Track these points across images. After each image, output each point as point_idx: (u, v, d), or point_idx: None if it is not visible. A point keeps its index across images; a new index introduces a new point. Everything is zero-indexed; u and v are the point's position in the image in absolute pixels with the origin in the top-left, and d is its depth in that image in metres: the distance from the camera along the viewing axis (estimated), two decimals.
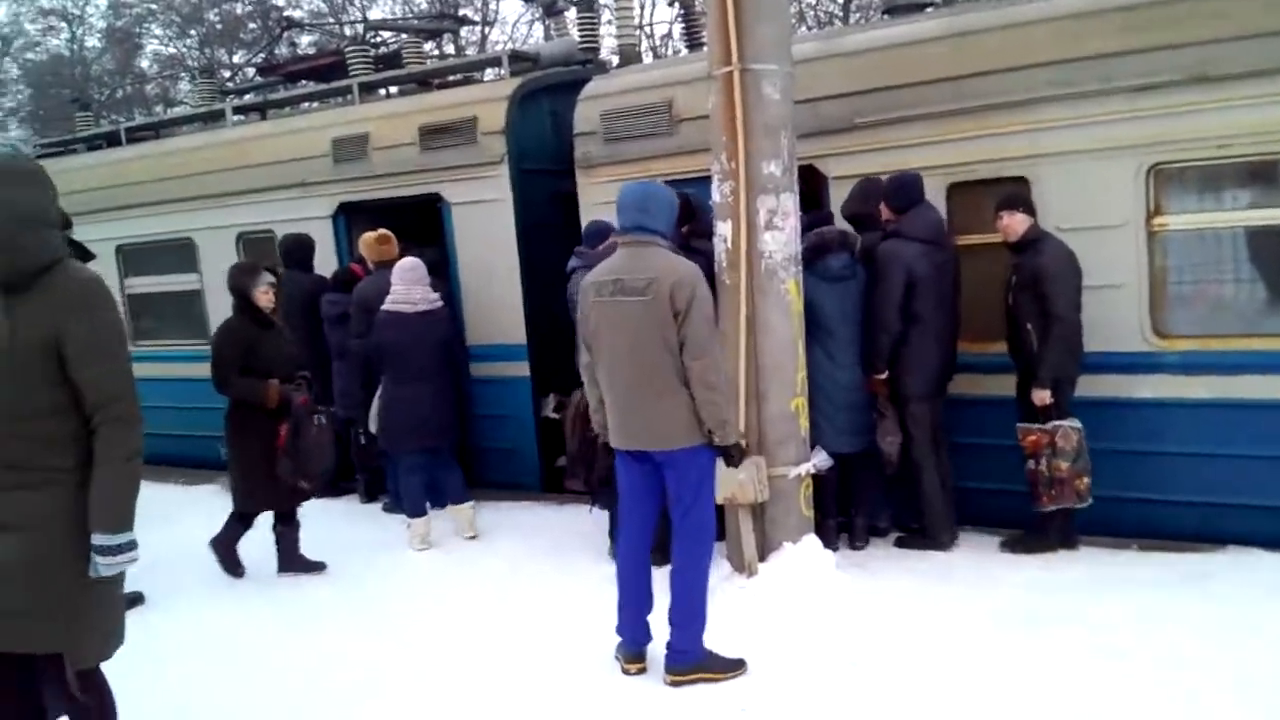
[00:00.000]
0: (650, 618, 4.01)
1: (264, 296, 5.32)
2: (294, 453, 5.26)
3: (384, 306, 5.99)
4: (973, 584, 4.65)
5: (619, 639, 4.03)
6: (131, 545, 2.81)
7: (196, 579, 5.59)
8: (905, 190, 5.25)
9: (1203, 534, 5.03)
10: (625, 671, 3.97)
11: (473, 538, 6.10)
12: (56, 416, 2.71)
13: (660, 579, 3.99)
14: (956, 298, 5.30)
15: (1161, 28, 4.91)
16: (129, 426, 2.76)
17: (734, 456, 3.95)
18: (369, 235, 6.66)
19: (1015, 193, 5.12)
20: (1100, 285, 5.08)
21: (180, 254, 8.76)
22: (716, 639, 3.96)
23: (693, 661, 3.81)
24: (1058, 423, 4.90)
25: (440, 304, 6.15)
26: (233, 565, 5.67)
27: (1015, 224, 5.00)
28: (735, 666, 3.85)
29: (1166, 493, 5.13)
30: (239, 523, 5.68)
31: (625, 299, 3.78)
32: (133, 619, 4.93)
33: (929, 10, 6.21)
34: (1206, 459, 5.02)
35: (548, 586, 5.09)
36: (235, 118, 8.96)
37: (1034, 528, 5.03)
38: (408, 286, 5.99)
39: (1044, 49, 5.20)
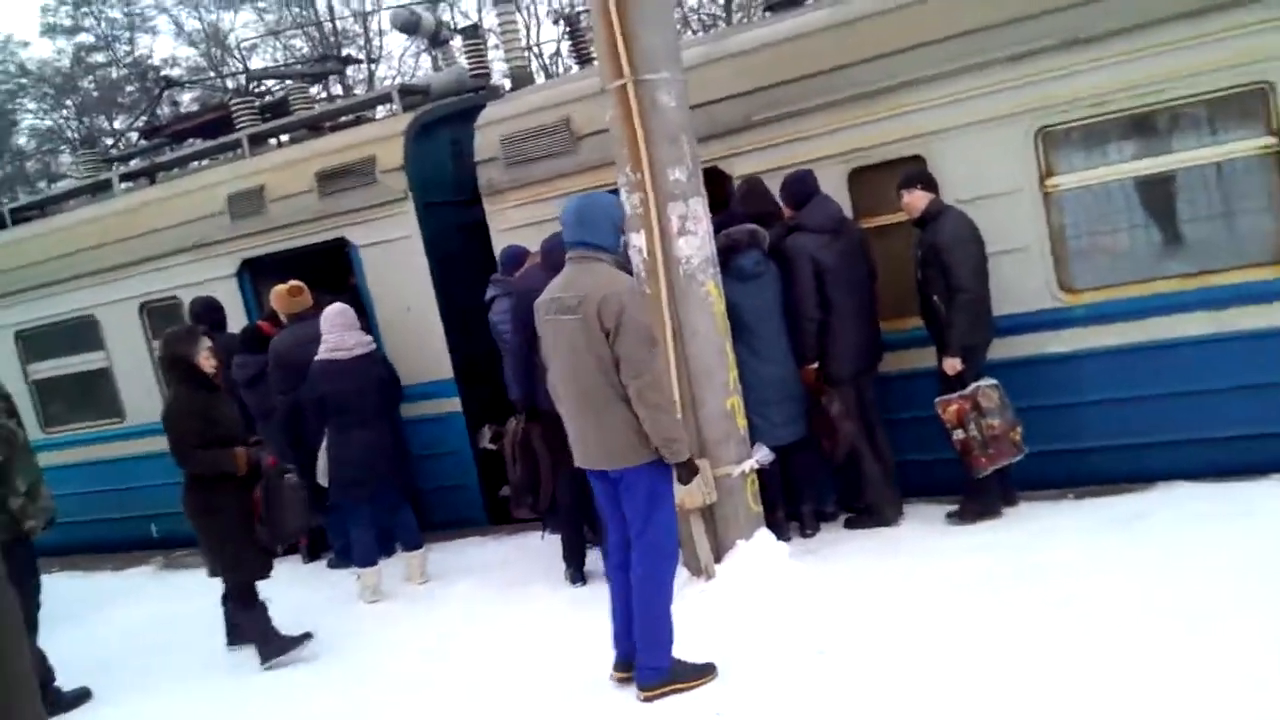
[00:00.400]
0: None
1: (207, 361, 5.03)
2: (271, 518, 5.10)
3: (319, 356, 5.88)
4: (924, 555, 4.74)
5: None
6: None
7: (142, 668, 5.37)
8: (799, 185, 5.42)
9: (1132, 474, 5.21)
10: (613, 679, 3.96)
11: (424, 582, 5.99)
12: None
13: None
14: (870, 280, 5.41)
15: None
16: None
17: (684, 475, 3.86)
18: (280, 288, 6.50)
19: (913, 171, 5.27)
20: (1005, 250, 5.26)
21: (83, 332, 8.45)
22: (683, 646, 3.96)
23: (661, 676, 3.78)
24: (975, 384, 5.04)
25: (374, 346, 6.08)
26: (292, 642, 5.10)
27: (915, 201, 5.15)
28: (704, 672, 3.84)
29: (1092, 440, 5.32)
30: (248, 603, 5.12)
31: (562, 317, 3.78)
32: (83, 715, 4.81)
33: (809, 3, 6.34)
34: (1125, 402, 5.22)
35: (511, 620, 5.03)
36: (123, 185, 8.69)
37: (973, 493, 5.16)
38: (340, 333, 5.90)
39: (922, 29, 5.35)
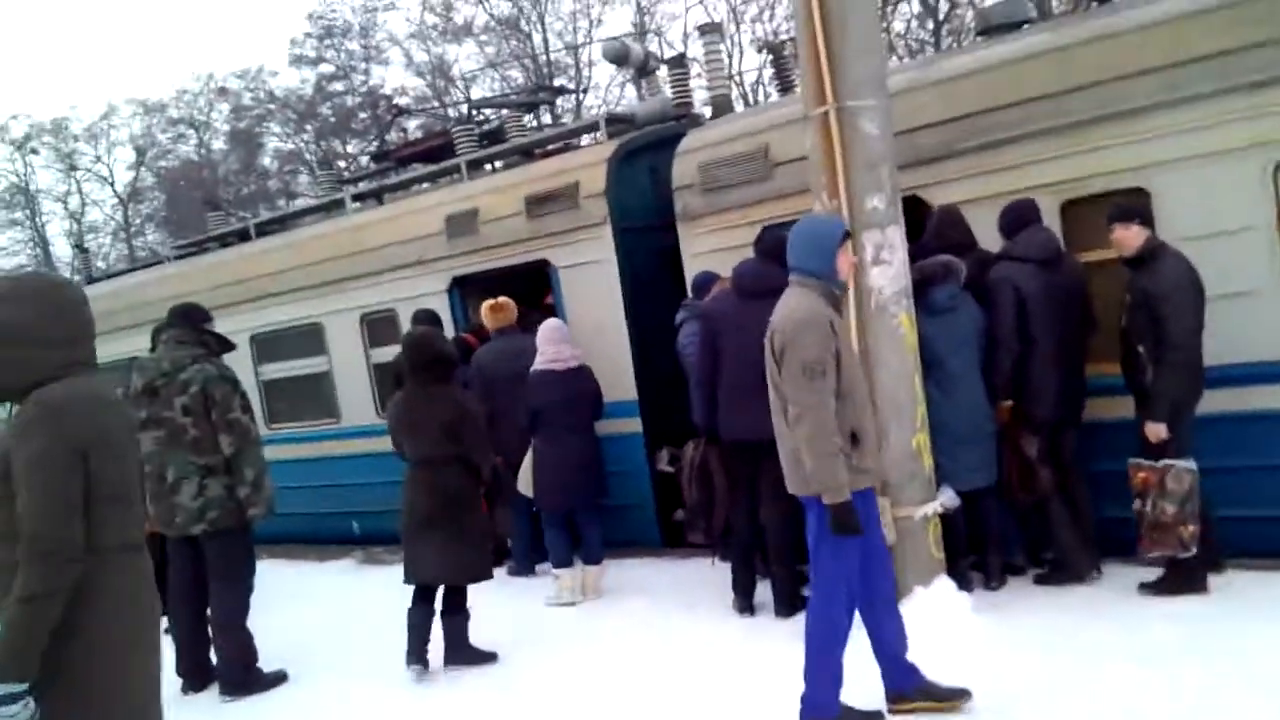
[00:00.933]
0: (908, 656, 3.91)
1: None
2: (497, 516, 5.49)
3: (536, 366, 6.22)
4: (1118, 620, 4.40)
5: None
6: (14, 698, 2.39)
7: (337, 656, 5.74)
8: (1014, 213, 5.16)
9: None
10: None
11: (597, 597, 6.14)
12: (6, 542, 2.52)
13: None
14: (1080, 319, 5.08)
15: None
16: (31, 565, 2.45)
17: (833, 520, 3.56)
18: (487, 303, 6.89)
19: (1129, 204, 4.90)
20: (1233, 294, 4.80)
21: (309, 338, 9.21)
22: (849, 688, 3.84)
23: (822, 715, 3.70)
24: (1170, 462, 4.53)
25: (584, 362, 6.34)
26: (479, 656, 5.26)
27: (1129, 237, 4.73)
28: None
29: None
30: (460, 610, 5.26)
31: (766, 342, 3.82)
32: (279, 695, 5.20)
33: (1025, 28, 6.08)
34: None
35: (681, 643, 5.04)
36: (354, 205, 9.44)
37: (1173, 568, 4.68)
38: (556, 346, 6.23)
39: (1149, 55, 5.01)
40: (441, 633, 5.20)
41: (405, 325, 7.83)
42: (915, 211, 5.66)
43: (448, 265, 8.03)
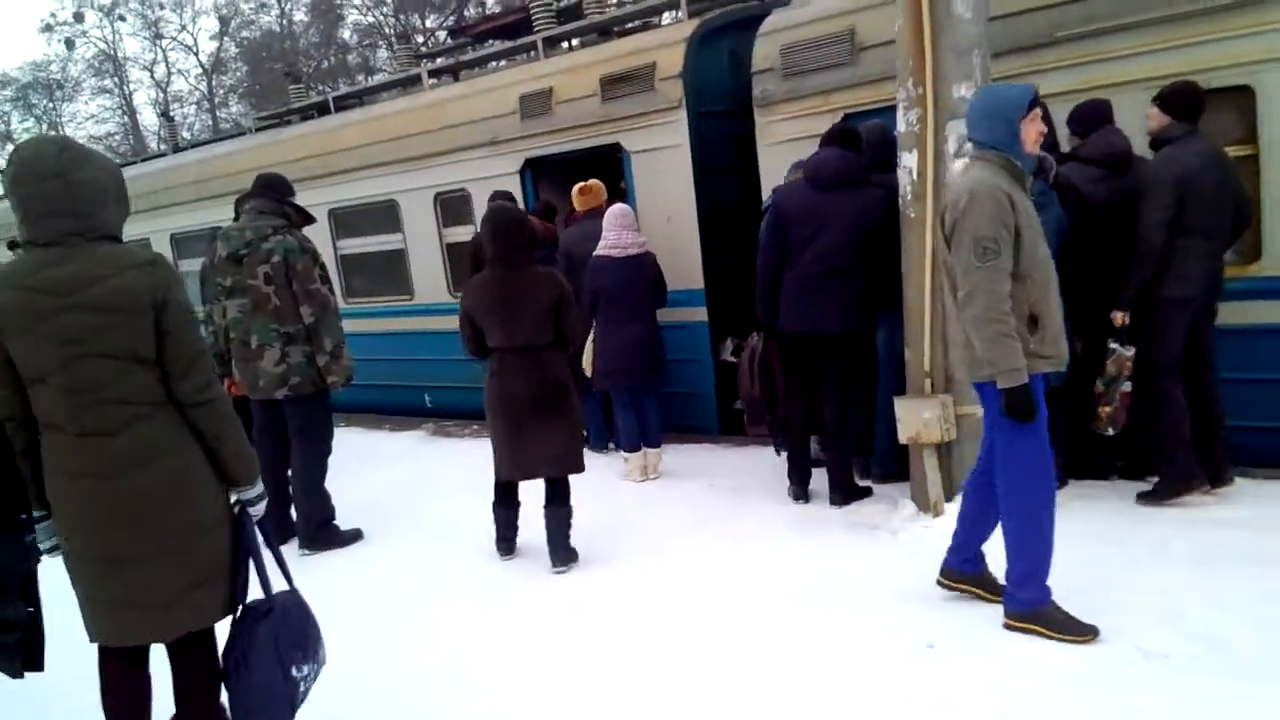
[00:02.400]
0: (984, 547, 3.84)
1: None
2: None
3: (597, 251, 6.26)
4: (1172, 520, 4.38)
5: None
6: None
7: (408, 517, 6.01)
8: (1083, 113, 5.01)
9: None
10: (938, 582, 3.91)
11: (656, 478, 6.31)
12: None
13: None
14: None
15: None
16: None
17: (1009, 405, 3.36)
18: (577, 186, 6.89)
19: (1172, 88, 4.68)
20: None
21: (385, 215, 9.35)
22: (904, 580, 3.91)
23: (1030, 609, 3.53)
24: (1113, 345, 4.76)
25: (647, 249, 6.35)
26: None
27: (1150, 118, 4.72)
28: (1083, 632, 3.46)
29: None
30: (567, 501, 4.94)
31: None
32: (355, 551, 5.51)
33: None
34: None
35: (733, 528, 5.15)
36: (430, 81, 9.40)
37: (1162, 474, 4.73)
38: (619, 231, 6.24)
39: None
40: (546, 528, 4.85)
41: (479, 205, 7.89)
42: None
43: (521, 146, 8.00)
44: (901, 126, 4.80)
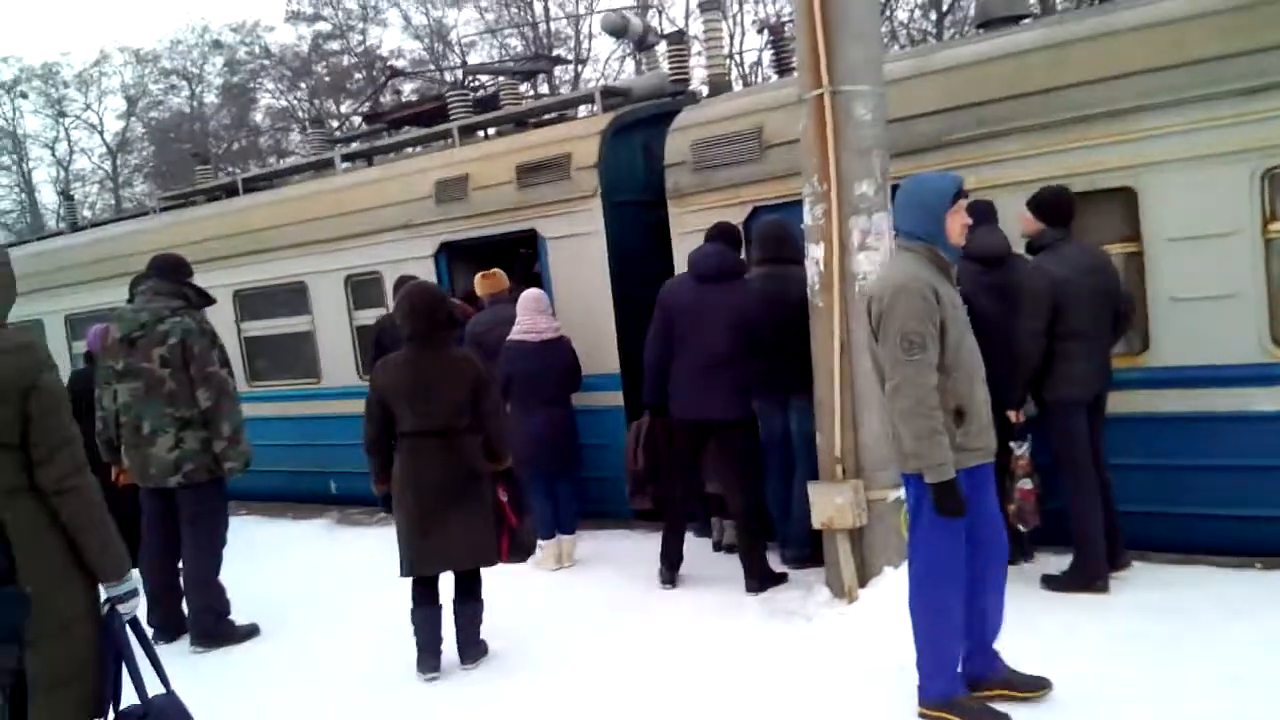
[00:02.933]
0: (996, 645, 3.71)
1: None
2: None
3: (511, 336, 6.22)
4: (1083, 606, 4.47)
5: None
6: None
7: (309, 610, 5.77)
8: (973, 214, 5.23)
9: None
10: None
11: (570, 565, 6.21)
12: None
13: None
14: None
15: (1272, 27, 4.70)
16: None
17: (938, 498, 3.33)
18: (480, 274, 6.88)
19: (1044, 192, 4.93)
20: (1214, 296, 4.87)
21: (292, 297, 9.18)
22: (814, 667, 3.88)
23: (941, 701, 3.50)
24: (1012, 443, 4.90)
25: (561, 334, 6.34)
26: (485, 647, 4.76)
27: (1024, 222, 4.97)
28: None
29: None
30: (478, 596, 4.72)
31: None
32: (251, 648, 5.22)
33: (1025, 22, 6.09)
34: None
35: (650, 612, 5.10)
36: (343, 165, 9.37)
37: (1075, 564, 4.83)
38: (533, 316, 6.23)
39: (1144, 55, 5.03)
40: (455, 624, 4.60)
41: (390, 289, 7.81)
42: None
43: (436, 230, 8.00)
44: (808, 220, 4.96)
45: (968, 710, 3.46)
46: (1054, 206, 4.88)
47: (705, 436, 5.42)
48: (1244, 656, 3.64)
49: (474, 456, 4.56)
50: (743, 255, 5.72)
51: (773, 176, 6.31)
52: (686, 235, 6.71)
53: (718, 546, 6.11)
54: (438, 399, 4.46)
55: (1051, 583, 4.84)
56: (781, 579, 5.35)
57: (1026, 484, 4.90)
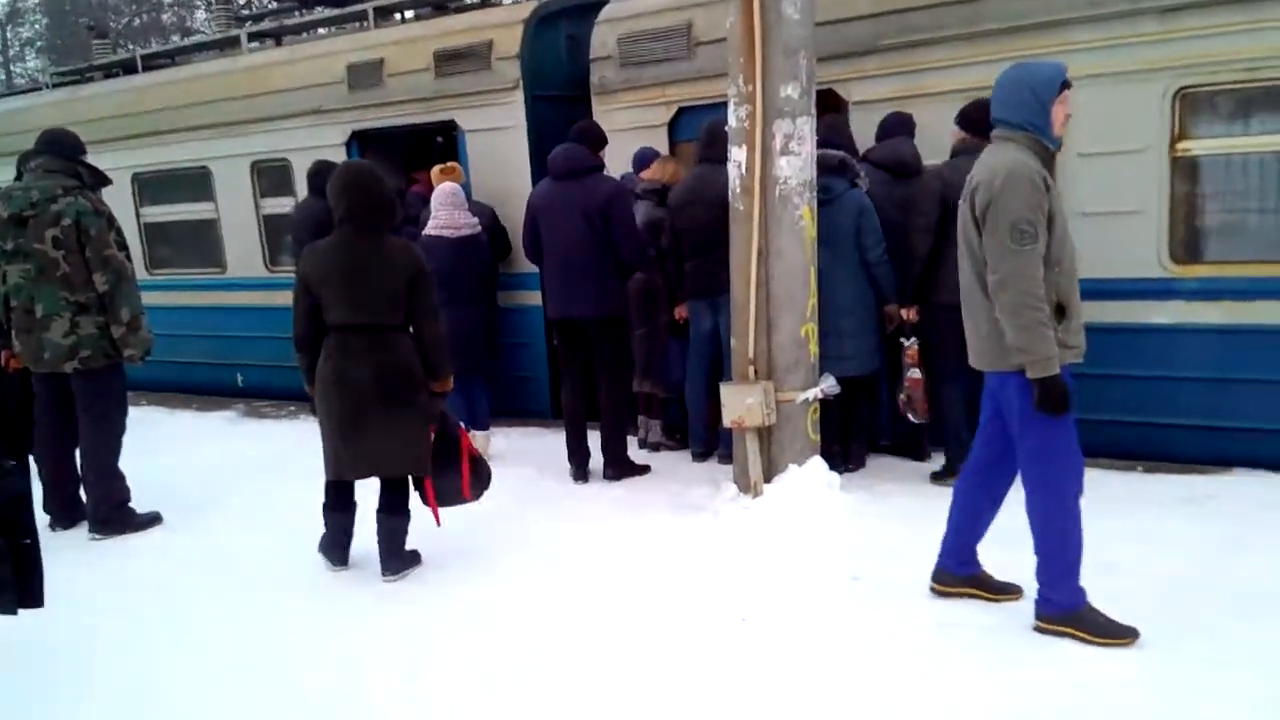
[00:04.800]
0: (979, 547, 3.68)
1: None
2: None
3: (426, 232, 6.05)
4: None
5: None
6: None
7: (210, 502, 5.67)
8: (887, 123, 5.44)
9: (1213, 457, 5.04)
10: (930, 590, 3.72)
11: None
12: None
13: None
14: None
15: None
16: None
17: (1040, 396, 3.17)
18: (438, 167, 6.56)
19: (970, 105, 4.96)
20: (1119, 211, 5.02)
21: (195, 182, 8.77)
22: (721, 558, 4.00)
23: (1063, 611, 3.33)
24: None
25: (480, 230, 6.20)
26: (415, 558, 4.51)
27: (953, 135, 5.04)
28: (1121, 635, 3.27)
29: (1178, 417, 5.14)
30: (404, 508, 4.43)
31: (962, 205, 3.43)
32: (152, 536, 5.13)
33: None
34: (1217, 383, 5.02)
35: (560, 506, 5.17)
36: (251, 44, 8.89)
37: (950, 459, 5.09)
38: (450, 211, 6.05)
39: None
40: (378, 535, 4.35)
41: (302, 177, 7.52)
42: (832, 108, 5.71)
43: (348, 118, 7.68)
44: (732, 122, 4.91)
45: (1094, 624, 3.30)
46: (977, 118, 4.92)
47: (587, 336, 5.49)
48: (1118, 548, 3.87)
49: (409, 356, 4.19)
50: (603, 153, 5.64)
51: (701, 76, 6.20)
52: (612, 134, 6.56)
53: (643, 444, 6.19)
54: (370, 290, 4.08)
55: (935, 478, 5.11)
56: (644, 469, 5.63)
57: (915, 373, 5.13)
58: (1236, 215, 5.13)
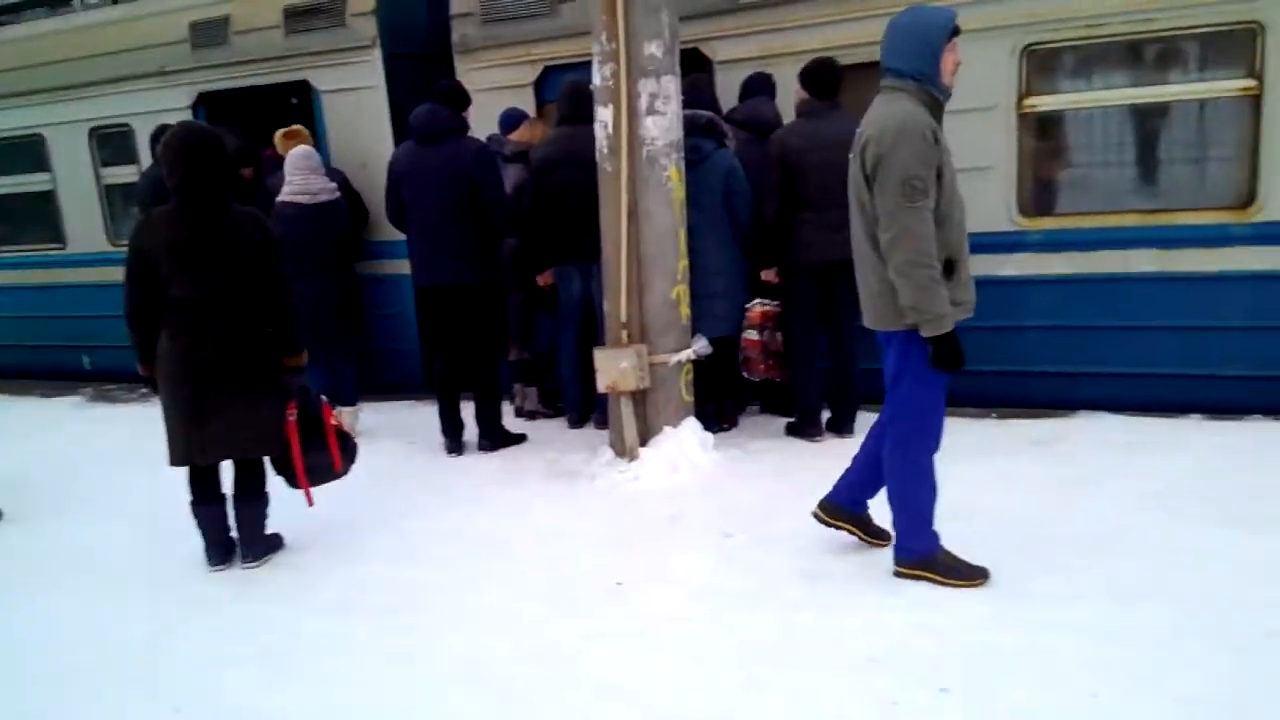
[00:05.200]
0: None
1: None
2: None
3: (280, 197, 5.73)
4: (839, 455, 4.71)
5: None
6: None
7: (54, 493, 5.32)
8: (749, 83, 5.47)
9: (1062, 401, 5.31)
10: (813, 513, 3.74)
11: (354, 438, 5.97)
12: None
13: None
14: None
15: None
16: None
17: (935, 353, 3.19)
18: (280, 131, 6.26)
19: (808, 65, 5.04)
20: (972, 168, 5.16)
21: (28, 151, 8.14)
22: (598, 523, 3.97)
23: (917, 557, 3.43)
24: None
25: (339, 195, 5.93)
26: (278, 541, 4.34)
27: (795, 94, 5.08)
28: (973, 576, 3.38)
29: (1028, 364, 5.39)
30: (261, 492, 4.24)
31: (852, 157, 3.30)
32: None
33: None
34: (1064, 331, 5.28)
35: (433, 478, 5.06)
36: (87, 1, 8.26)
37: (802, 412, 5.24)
38: (305, 175, 5.76)
39: None
40: (236, 522, 4.16)
41: (145, 143, 7.05)
42: (698, 68, 5.68)
43: (193, 79, 7.23)
44: (597, 80, 4.82)
45: (947, 567, 3.41)
46: (818, 77, 4.99)
47: (452, 302, 5.31)
48: (973, 493, 4.02)
49: (258, 331, 3.99)
50: (467, 113, 5.46)
51: (567, 34, 6.07)
52: (476, 94, 6.37)
53: (519, 413, 6.09)
54: (214, 263, 3.84)
55: (789, 429, 5.27)
56: (519, 439, 5.53)
57: (752, 334, 5.22)
58: (1081, 169, 5.38)
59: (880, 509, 3.59)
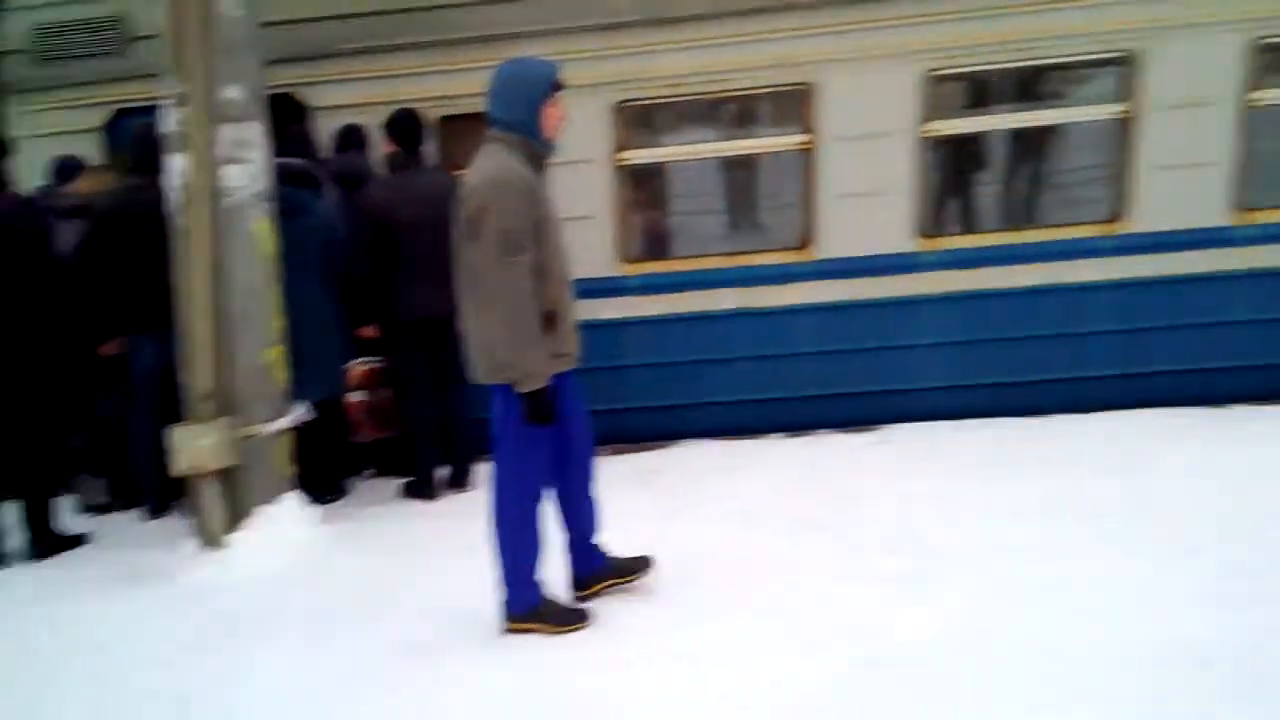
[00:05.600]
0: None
1: None
2: None
3: None
4: (466, 513, 4.46)
5: None
6: None
7: None
8: (341, 135, 5.30)
9: (664, 433, 5.61)
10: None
11: None
12: None
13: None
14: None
15: None
16: None
17: (529, 408, 3.18)
18: None
19: (390, 116, 4.96)
20: (580, 217, 5.31)
21: None
22: (170, 628, 3.47)
23: (526, 608, 3.39)
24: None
25: None
26: None
27: (384, 145, 4.98)
28: (575, 620, 3.42)
29: (631, 400, 5.62)
30: None
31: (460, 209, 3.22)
32: None
33: None
34: (658, 367, 5.60)
35: None
36: None
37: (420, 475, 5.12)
38: None
39: None
40: None
41: None
42: (293, 114, 5.36)
43: None
44: (170, 126, 4.35)
45: (553, 615, 3.41)
46: (400, 128, 4.89)
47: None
48: None
49: None
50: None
51: (141, 74, 5.49)
52: (33, 140, 5.59)
53: (86, 509, 5.27)
54: None
55: (406, 490, 5.06)
56: (77, 541, 4.76)
57: (356, 396, 5.00)
58: (673, 218, 5.79)
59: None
